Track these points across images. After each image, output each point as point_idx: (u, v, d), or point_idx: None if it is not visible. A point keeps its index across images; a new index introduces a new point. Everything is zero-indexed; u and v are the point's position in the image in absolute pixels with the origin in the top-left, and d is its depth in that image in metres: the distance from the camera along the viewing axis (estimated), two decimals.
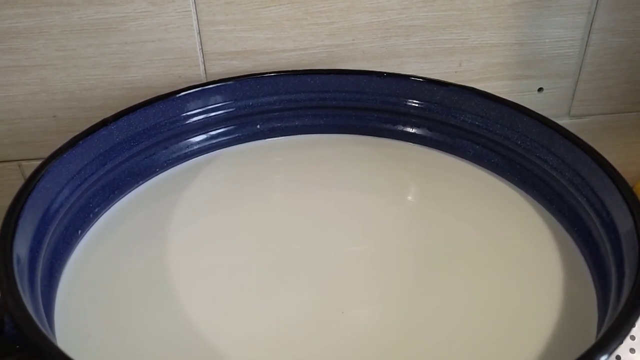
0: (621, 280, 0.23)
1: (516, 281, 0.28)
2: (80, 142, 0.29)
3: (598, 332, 0.24)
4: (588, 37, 0.42)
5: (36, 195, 0.25)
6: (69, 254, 0.28)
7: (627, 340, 0.26)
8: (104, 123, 0.31)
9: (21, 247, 0.23)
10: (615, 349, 0.19)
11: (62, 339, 0.24)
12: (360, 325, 0.26)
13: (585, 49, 0.42)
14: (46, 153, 0.29)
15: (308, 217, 0.32)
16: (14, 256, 0.22)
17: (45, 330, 0.19)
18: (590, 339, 0.24)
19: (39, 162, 0.28)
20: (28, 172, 0.41)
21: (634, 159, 0.48)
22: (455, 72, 0.42)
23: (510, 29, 0.41)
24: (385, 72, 0.37)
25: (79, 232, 0.29)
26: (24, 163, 0.41)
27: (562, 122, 0.32)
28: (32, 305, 0.21)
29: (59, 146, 0.29)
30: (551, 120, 0.32)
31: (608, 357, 0.19)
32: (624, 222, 0.25)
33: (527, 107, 0.33)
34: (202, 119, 0.36)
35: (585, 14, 0.41)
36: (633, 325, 0.20)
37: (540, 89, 0.44)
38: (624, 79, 0.44)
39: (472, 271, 0.28)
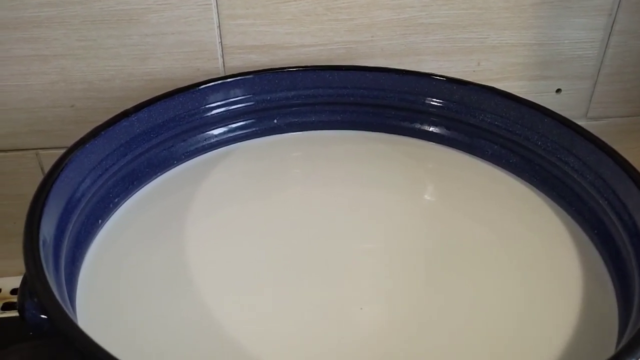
0: None
1: (533, 284, 0.28)
2: (102, 132, 0.29)
3: (619, 336, 0.24)
4: (608, 39, 0.42)
5: (60, 184, 0.26)
6: (89, 242, 0.28)
7: None
8: (125, 114, 0.31)
9: (46, 235, 0.23)
10: None
11: (83, 326, 0.24)
12: (374, 323, 0.26)
13: (605, 51, 0.42)
14: (64, 142, 0.29)
15: (323, 213, 0.32)
16: (40, 243, 0.22)
17: (71, 316, 0.20)
18: (611, 343, 0.24)
19: (56, 151, 0.28)
20: (45, 161, 0.41)
21: None
22: (474, 71, 0.42)
23: (530, 29, 0.40)
24: (404, 70, 0.37)
25: (99, 221, 0.30)
26: (41, 152, 0.41)
27: (579, 123, 0.32)
28: (58, 292, 0.21)
29: (77, 136, 0.29)
30: (572, 122, 0.31)
31: None
32: None
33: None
34: (221, 112, 0.36)
35: (606, 15, 0.41)
36: None
37: (558, 90, 0.43)
38: None
39: (488, 272, 0.28)
